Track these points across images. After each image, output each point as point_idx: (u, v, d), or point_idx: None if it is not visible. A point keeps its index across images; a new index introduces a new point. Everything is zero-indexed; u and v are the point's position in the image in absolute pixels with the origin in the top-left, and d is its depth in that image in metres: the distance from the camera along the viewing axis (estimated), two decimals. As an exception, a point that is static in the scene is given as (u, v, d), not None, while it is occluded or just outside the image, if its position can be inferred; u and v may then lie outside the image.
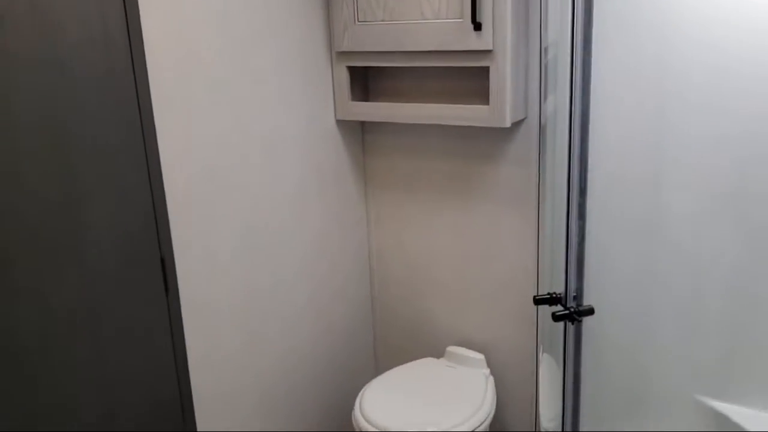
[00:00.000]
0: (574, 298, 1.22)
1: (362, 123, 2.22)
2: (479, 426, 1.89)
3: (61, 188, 1.30)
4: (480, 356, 2.15)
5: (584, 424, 2.00)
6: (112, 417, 1.46)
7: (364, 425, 1.88)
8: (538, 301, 1.29)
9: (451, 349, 2.21)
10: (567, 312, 1.17)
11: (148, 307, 1.52)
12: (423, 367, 2.17)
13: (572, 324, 1.17)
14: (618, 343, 1.88)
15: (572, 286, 1.20)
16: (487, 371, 2.13)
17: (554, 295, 1.26)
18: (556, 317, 1.18)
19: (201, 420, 1.72)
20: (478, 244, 2.12)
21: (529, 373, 2.14)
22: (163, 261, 1.55)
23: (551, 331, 1.69)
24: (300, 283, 2.04)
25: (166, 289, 1.57)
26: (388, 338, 2.40)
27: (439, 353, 2.30)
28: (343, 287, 2.24)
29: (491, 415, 1.96)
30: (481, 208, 2.08)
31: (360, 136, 2.23)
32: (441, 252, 2.20)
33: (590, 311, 1.18)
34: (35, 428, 1.31)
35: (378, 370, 2.46)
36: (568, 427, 1.58)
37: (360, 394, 2.02)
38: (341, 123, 2.13)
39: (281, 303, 1.98)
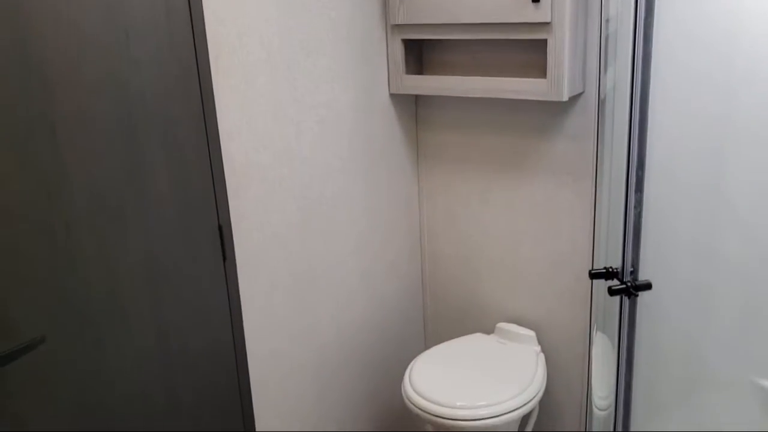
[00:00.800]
0: (631, 272, 1.20)
1: (416, 97, 2.22)
2: (529, 402, 1.89)
3: (124, 152, 1.35)
4: (531, 333, 2.14)
5: (637, 404, 1.98)
6: (174, 379, 1.51)
7: (414, 397, 1.90)
8: (593, 275, 1.28)
9: (501, 325, 2.20)
10: (624, 286, 1.15)
11: (206, 274, 1.56)
12: (473, 342, 2.17)
13: (628, 299, 1.15)
14: (673, 322, 1.85)
15: (629, 260, 1.18)
16: (538, 348, 2.12)
17: (610, 270, 1.24)
18: (612, 291, 1.16)
19: (256, 383, 1.76)
20: (531, 221, 2.10)
21: (581, 353, 2.12)
22: (220, 229, 1.59)
23: (605, 309, 1.67)
24: (352, 256, 2.06)
25: (224, 257, 1.61)
26: (439, 314, 2.41)
27: (489, 330, 2.29)
28: (394, 263, 2.25)
29: (541, 392, 1.96)
30: (534, 183, 2.06)
31: (413, 110, 2.22)
32: (493, 229, 2.19)
33: (647, 286, 1.16)
34: (101, 380, 1.36)
35: (427, 345, 2.48)
36: (620, 406, 1.56)
37: (410, 366, 2.04)
38: (395, 97, 2.13)
39: (334, 275, 2.00)
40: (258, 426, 1.78)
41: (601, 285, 1.57)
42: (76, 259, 1.29)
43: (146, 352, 1.44)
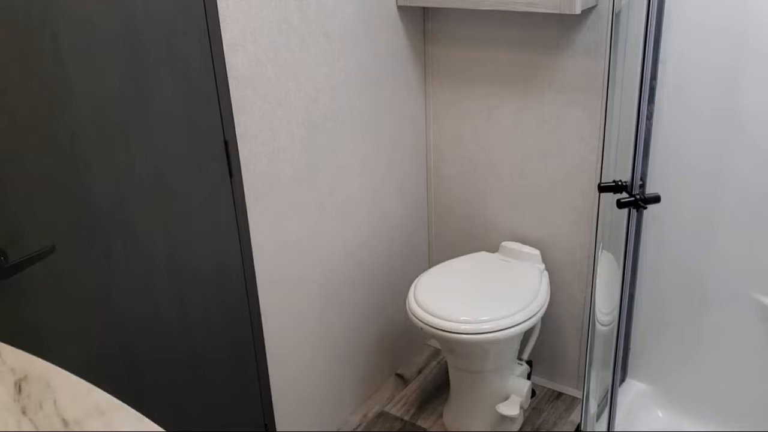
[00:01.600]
0: (640, 186, 1.19)
1: (424, 9, 2.16)
2: (531, 318, 1.92)
3: (127, 64, 1.32)
4: (536, 252, 2.16)
5: (639, 318, 2.01)
6: (184, 295, 1.53)
7: (418, 312, 1.93)
8: (602, 188, 1.27)
9: (506, 244, 2.22)
10: (632, 199, 1.15)
11: (213, 189, 1.56)
12: (477, 260, 2.19)
13: (636, 211, 1.15)
14: (678, 238, 1.86)
15: (638, 172, 1.18)
16: (542, 266, 2.14)
17: (619, 183, 1.24)
18: (621, 204, 1.16)
19: (264, 297, 1.79)
20: (539, 139, 2.08)
21: (585, 271, 2.15)
22: (226, 144, 1.58)
23: (611, 227, 1.67)
24: (358, 174, 2.05)
25: (230, 173, 1.61)
26: (443, 233, 2.43)
27: (493, 248, 2.31)
28: (400, 181, 2.25)
29: (543, 309, 1.99)
30: (543, 101, 2.03)
31: (422, 24, 2.17)
32: (500, 147, 2.18)
33: (656, 199, 1.16)
34: (111, 290, 1.39)
35: (432, 263, 2.50)
36: (623, 322, 1.59)
37: (414, 282, 2.06)
38: (403, 9, 2.07)
39: (340, 193, 2.00)
40: (267, 337, 1.82)
41: (609, 201, 1.57)
42: (82, 170, 1.28)
43: (155, 264, 1.46)
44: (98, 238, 1.33)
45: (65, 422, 0.86)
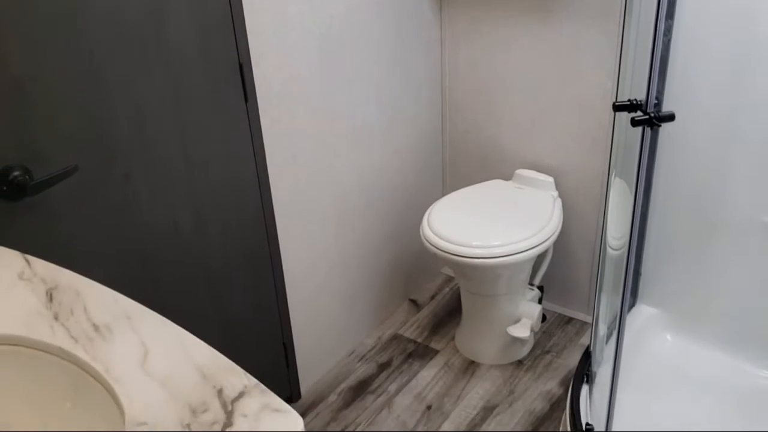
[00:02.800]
0: (655, 104, 1.19)
1: (439, -67, 2.11)
2: (542, 243, 1.95)
3: (142, -15, 1.32)
4: (549, 179, 2.17)
5: (650, 244, 2.03)
6: (202, 215, 1.57)
7: (432, 237, 1.96)
8: (617, 107, 1.27)
9: (520, 171, 2.23)
10: (646, 117, 1.15)
11: (229, 112, 1.57)
12: (491, 188, 2.21)
13: (650, 129, 1.15)
14: (691, 161, 1.85)
15: (654, 90, 1.17)
16: (556, 193, 2.15)
17: (635, 102, 1.24)
18: (635, 122, 1.16)
19: (280, 219, 1.82)
20: (555, 66, 2.06)
21: (597, 199, 2.16)
22: (241, 68, 1.58)
23: (625, 153, 1.67)
24: (372, 101, 2.05)
25: (245, 98, 1.62)
26: (458, 161, 2.43)
27: (507, 176, 2.32)
28: (415, 109, 2.25)
29: (555, 235, 2.01)
30: (561, 26, 2.00)
31: (437, -53, 2.12)
32: (516, 74, 2.16)
33: (671, 117, 1.16)
34: (133, 207, 1.42)
35: (446, 191, 2.52)
36: (633, 245, 1.61)
37: (429, 209, 2.09)
38: (418, -68, 2.03)
39: (354, 119, 2.01)
40: (283, 259, 1.86)
41: (623, 125, 1.56)
42: (101, 88, 1.30)
43: (174, 185, 1.49)
44: (119, 158, 1.36)
45: (95, 327, 0.90)
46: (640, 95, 1.22)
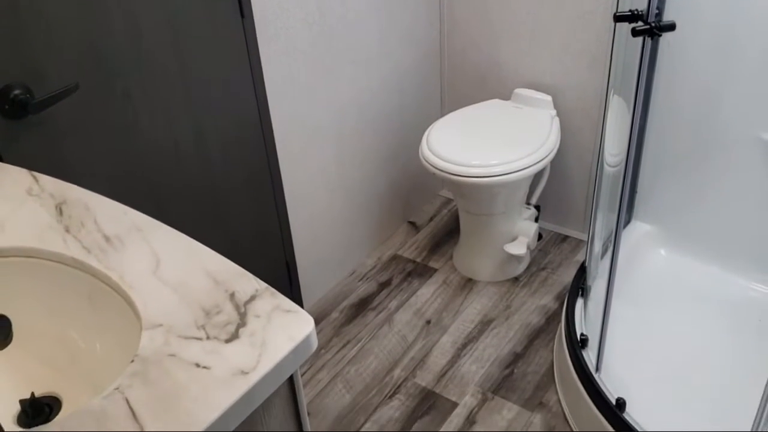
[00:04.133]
0: (656, 14, 1.18)
1: None
2: (540, 161, 1.97)
3: None
4: (548, 98, 2.17)
5: (647, 161, 2.05)
6: (202, 134, 1.57)
7: (430, 157, 1.97)
8: (618, 18, 1.26)
9: (518, 91, 2.22)
10: (647, 27, 1.14)
11: (226, 29, 1.56)
12: (489, 108, 2.21)
13: (651, 39, 1.15)
14: (690, 75, 1.85)
15: (655, 1, 1.16)
16: (554, 112, 2.15)
17: (636, 12, 1.23)
18: (635, 32, 1.16)
19: (279, 138, 1.83)
20: (555, -20, 2.03)
21: (596, 118, 2.16)
22: (236, -16, 1.55)
23: (624, 70, 1.67)
24: (369, 18, 2.02)
25: (242, 14, 1.59)
26: (456, 80, 2.42)
27: (506, 96, 2.31)
28: (412, 27, 2.21)
29: (553, 153, 2.03)
30: (561, -62, 1.95)
31: None
32: (514, -11, 2.12)
33: (671, 26, 1.16)
34: (133, 127, 1.43)
35: (444, 112, 2.52)
36: (631, 160, 1.62)
37: (428, 129, 2.09)
38: None
39: (351, 38, 1.98)
40: (284, 178, 1.88)
41: (623, 39, 1.56)
42: (98, 4, 1.28)
43: (173, 103, 1.49)
44: (118, 77, 1.36)
45: (107, 238, 0.93)
46: (641, 5, 1.21)
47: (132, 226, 0.95)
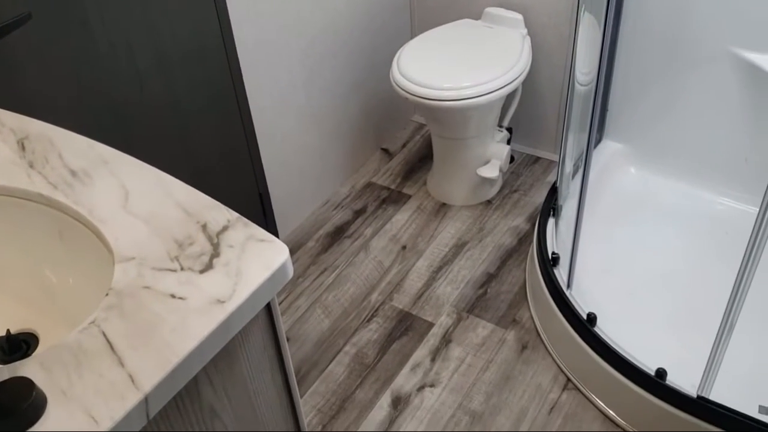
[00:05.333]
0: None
1: None
2: (512, 82, 1.95)
3: None
4: (519, 16, 2.13)
5: (618, 80, 2.05)
6: (165, 63, 1.53)
7: (401, 81, 1.95)
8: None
9: (489, 10, 2.18)
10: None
11: (183, -48, 1.49)
12: (460, 28, 2.17)
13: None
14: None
15: None
16: (525, 31, 2.12)
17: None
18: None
19: (246, 67, 1.79)
20: None
21: (567, 36, 2.13)
22: None
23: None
24: (334, -63, 1.95)
25: (199, -65, 1.52)
26: (426, 1, 2.36)
27: (476, 15, 2.27)
28: (378, -55, 2.14)
29: (525, 73, 2.01)
30: None
31: None
32: None
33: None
34: (94, 60, 1.38)
35: (415, 33, 2.47)
36: (602, 77, 1.62)
37: (398, 53, 2.06)
38: None
39: (316, -42, 1.92)
40: (252, 107, 1.85)
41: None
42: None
43: (134, 35, 1.44)
44: (73, 4, 1.30)
45: (73, 172, 0.91)
46: None
47: (98, 160, 0.93)
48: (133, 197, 0.86)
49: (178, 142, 1.64)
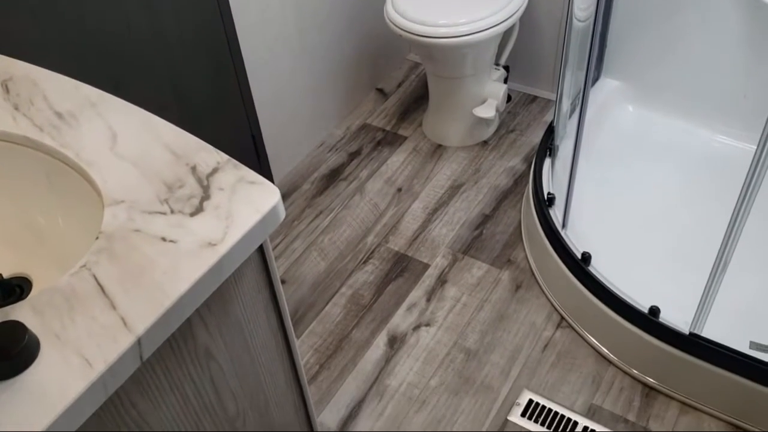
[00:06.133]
0: None
1: None
2: (508, 19, 1.91)
3: None
4: (515, -50, 2.06)
5: (617, 16, 2.00)
6: (154, 7, 1.48)
7: (396, 18, 1.90)
8: None
9: (485, -57, 2.10)
10: None
11: None
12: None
13: None
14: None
15: None
16: (522, -34, 2.06)
17: None
18: None
19: (237, 11, 1.74)
20: None
21: (565, -31, 2.08)
22: None
23: None
24: None
25: None
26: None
27: (472, -50, 2.20)
28: None
29: (522, 9, 1.97)
30: None
31: None
32: None
33: None
34: (74, 11, 1.34)
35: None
36: (600, 13, 1.58)
37: (391, -11, 2.00)
38: None
39: None
40: (242, 46, 1.81)
41: None
42: None
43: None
44: (52, -59, 1.25)
45: (59, 115, 0.89)
46: None
47: (85, 102, 0.91)
48: (120, 139, 0.84)
49: (167, 84, 1.60)
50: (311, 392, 1.64)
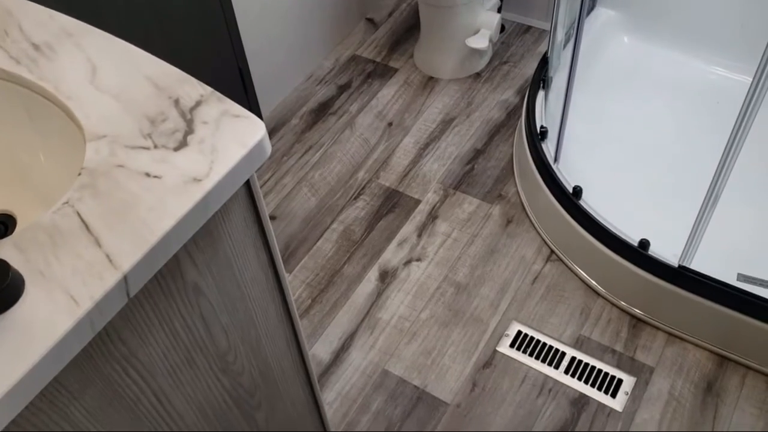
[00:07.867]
0: None
1: None
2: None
3: None
4: None
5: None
6: (128, -76, 1.42)
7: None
8: None
9: None
10: None
11: None
12: None
13: None
14: None
15: None
16: None
17: None
18: None
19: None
20: None
21: None
22: None
23: None
24: None
25: None
26: None
27: None
28: None
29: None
30: None
31: None
32: None
33: None
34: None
35: None
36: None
37: None
38: None
39: None
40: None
41: None
42: None
43: None
44: None
45: (35, 46, 0.86)
46: None
47: (62, 32, 0.87)
48: (100, 71, 0.82)
49: (149, 14, 1.55)
50: (304, 326, 1.66)
